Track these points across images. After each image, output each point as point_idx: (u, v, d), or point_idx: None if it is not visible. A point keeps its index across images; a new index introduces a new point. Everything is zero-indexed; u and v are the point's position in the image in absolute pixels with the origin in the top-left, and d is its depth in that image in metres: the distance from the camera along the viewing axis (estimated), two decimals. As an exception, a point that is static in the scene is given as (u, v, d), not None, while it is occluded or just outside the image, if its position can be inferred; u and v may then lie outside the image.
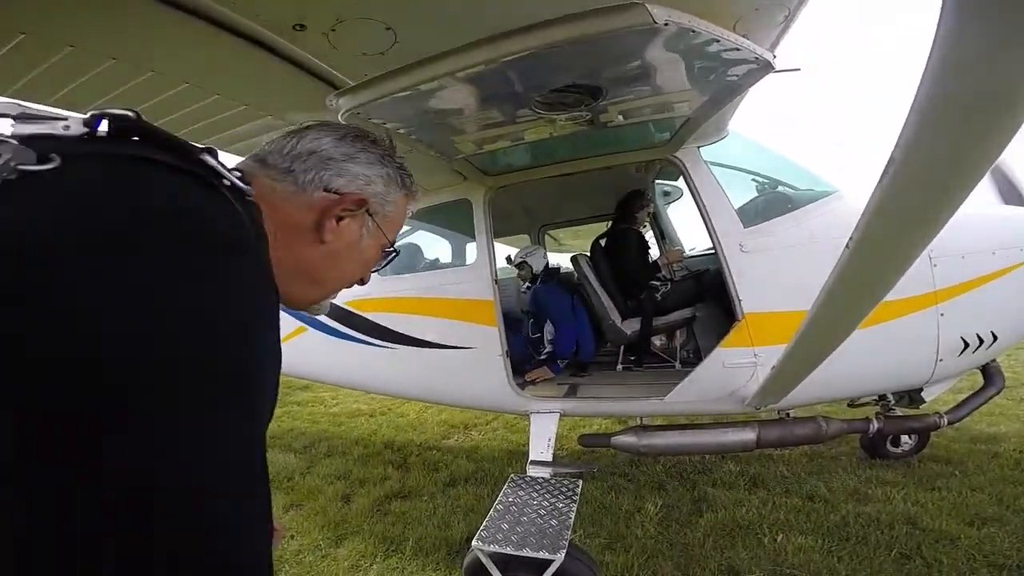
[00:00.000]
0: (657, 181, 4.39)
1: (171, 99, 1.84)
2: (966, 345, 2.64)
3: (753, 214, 2.65)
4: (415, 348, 3.23)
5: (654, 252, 4.09)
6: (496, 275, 3.04)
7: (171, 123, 2.01)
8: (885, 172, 1.05)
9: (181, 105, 1.92)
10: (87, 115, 0.53)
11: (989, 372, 3.02)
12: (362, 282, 0.83)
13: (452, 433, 5.17)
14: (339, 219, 0.74)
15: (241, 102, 1.99)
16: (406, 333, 3.26)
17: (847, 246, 1.32)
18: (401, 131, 2.05)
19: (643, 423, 3.08)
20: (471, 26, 1.43)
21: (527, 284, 4.09)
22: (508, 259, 4.07)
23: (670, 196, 4.71)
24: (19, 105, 0.51)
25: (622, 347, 3.77)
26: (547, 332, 3.79)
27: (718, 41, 1.49)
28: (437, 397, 3.44)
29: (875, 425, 2.96)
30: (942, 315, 2.58)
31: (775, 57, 1.65)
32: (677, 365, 3.67)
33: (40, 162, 0.45)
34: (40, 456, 0.37)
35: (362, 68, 1.61)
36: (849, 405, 3.34)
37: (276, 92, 1.87)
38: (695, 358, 3.83)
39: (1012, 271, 2.68)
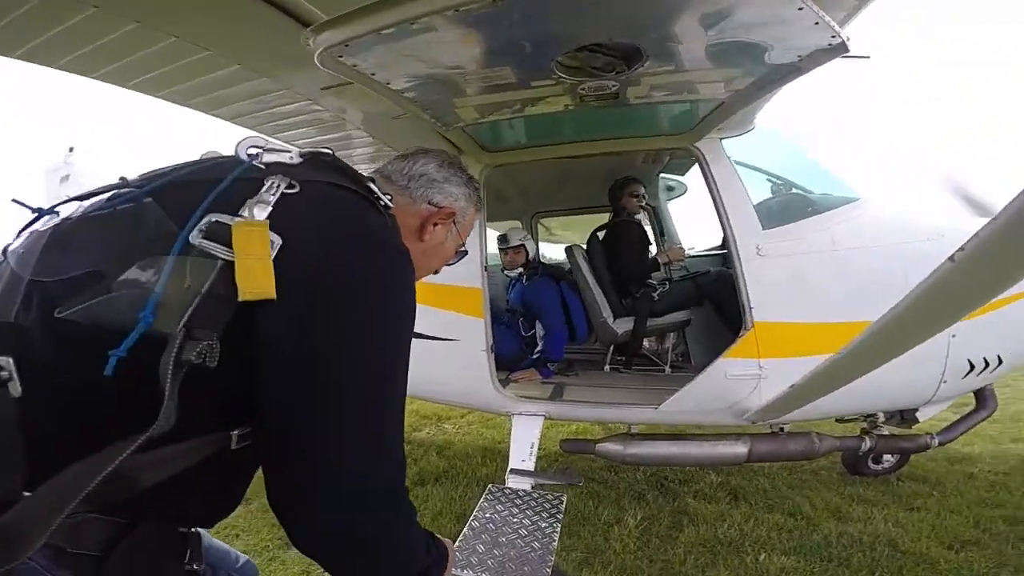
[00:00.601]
0: (662, 175, 4.16)
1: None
2: (971, 367, 2.58)
3: (772, 215, 2.45)
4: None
5: (652, 248, 3.87)
6: (486, 262, 2.77)
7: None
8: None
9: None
10: (303, 150, 0.82)
11: (983, 395, 2.97)
12: (436, 272, 1.08)
13: (423, 425, 4.90)
14: (435, 224, 1.01)
15: (204, 47, 1.73)
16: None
17: (951, 259, 1.10)
18: (394, 86, 1.73)
19: (630, 430, 2.88)
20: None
21: (518, 271, 3.82)
22: (501, 239, 3.82)
23: (674, 191, 4.49)
24: (263, 138, 0.80)
25: (611, 346, 3.55)
26: (539, 331, 3.58)
27: (801, 8, 1.23)
28: (413, 390, 3.17)
29: (868, 443, 2.90)
30: (954, 336, 2.49)
31: (849, 39, 1.41)
32: (667, 370, 3.50)
33: (290, 188, 0.72)
34: None
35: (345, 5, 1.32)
36: (837, 420, 3.24)
37: (246, 35, 1.63)
38: (685, 363, 3.71)
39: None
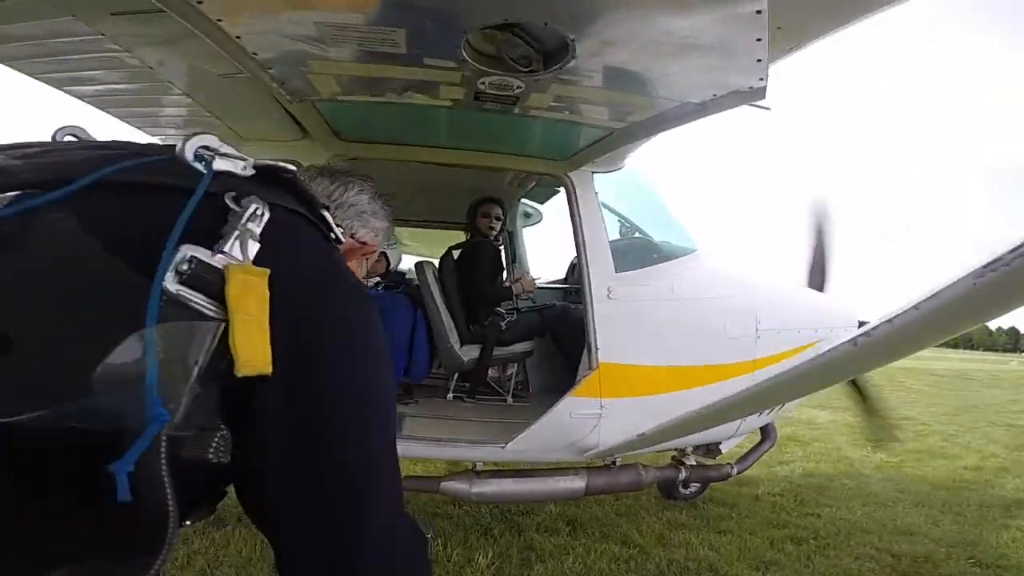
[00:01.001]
0: (523, 200, 4.12)
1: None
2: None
3: (624, 258, 2.50)
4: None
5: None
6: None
7: None
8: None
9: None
10: (255, 162, 0.59)
11: (767, 429, 3.49)
12: None
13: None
14: (350, 260, 1.01)
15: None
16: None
17: (854, 343, 1.12)
18: (239, 37, 1.31)
19: (475, 467, 2.74)
20: None
21: (374, 280, 3.49)
22: None
23: (530, 219, 4.47)
24: (218, 139, 0.59)
25: (455, 374, 3.37)
26: None
27: (759, 40, 1.16)
28: None
29: (683, 473, 3.17)
30: (755, 381, 2.82)
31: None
32: (509, 399, 3.43)
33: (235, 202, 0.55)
34: None
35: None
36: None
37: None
38: (524, 392, 3.72)
39: (809, 348, 3.07)
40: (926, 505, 3.91)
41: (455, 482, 2.53)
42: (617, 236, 2.94)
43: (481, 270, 3.23)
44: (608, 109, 1.80)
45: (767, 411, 3.08)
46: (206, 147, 0.56)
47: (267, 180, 0.60)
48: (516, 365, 3.59)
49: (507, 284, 3.43)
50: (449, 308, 3.23)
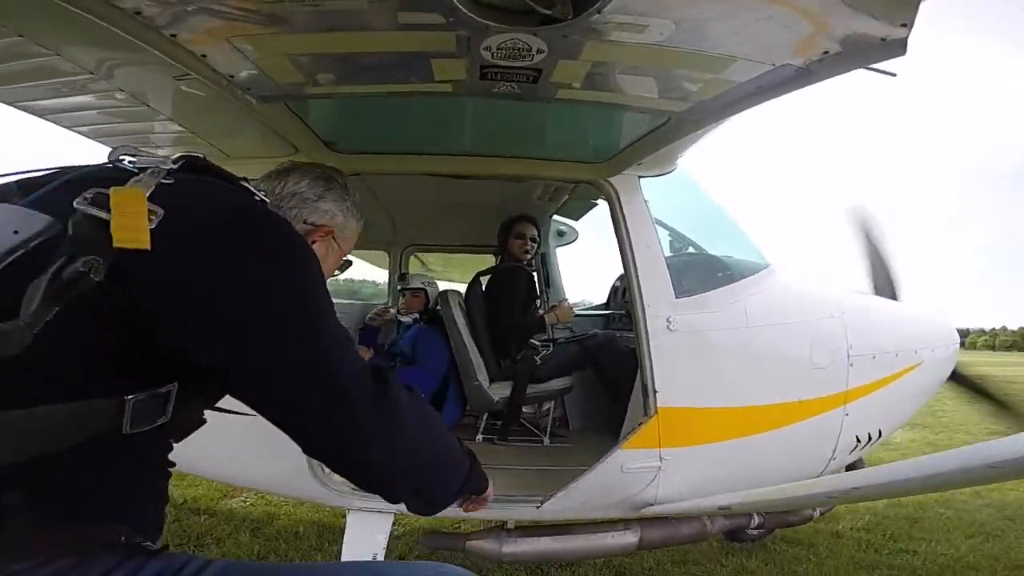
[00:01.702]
0: (555, 216, 3.70)
1: None
2: (858, 443, 2.55)
3: (683, 280, 2.08)
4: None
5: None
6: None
7: None
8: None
9: None
10: (176, 156, 0.82)
11: (855, 466, 2.97)
12: None
13: (237, 490, 3.82)
14: (312, 242, 1.00)
15: None
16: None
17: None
18: (175, 35, 1.04)
19: (506, 523, 2.37)
20: None
21: (413, 316, 3.25)
22: (401, 278, 3.38)
23: (564, 237, 4.02)
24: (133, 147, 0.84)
25: (485, 414, 3.03)
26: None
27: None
28: (214, 471, 2.38)
29: (756, 519, 2.72)
30: (847, 415, 2.40)
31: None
32: (546, 440, 3.03)
33: (166, 178, 0.75)
34: None
35: None
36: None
37: None
38: (563, 429, 3.35)
39: (908, 372, 2.61)
40: None
41: (483, 541, 2.20)
42: (670, 252, 2.55)
43: (512, 299, 2.88)
44: (666, 83, 1.36)
45: (861, 446, 2.59)
46: (128, 153, 0.82)
47: (192, 167, 0.82)
48: (554, 401, 3.22)
49: (541, 313, 3.06)
50: (477, 342, 2.89)
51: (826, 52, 1.10)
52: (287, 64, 1.34)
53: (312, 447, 0.80)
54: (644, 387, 2.01)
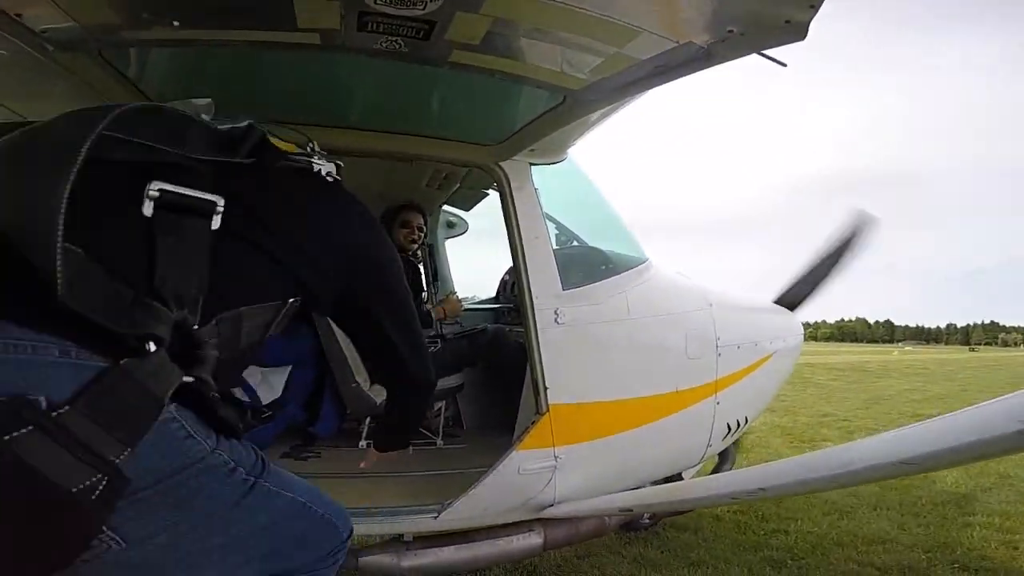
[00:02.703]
0: (444, 206, 3.52)
1: None
2: (729, 429, 2.66)
3: (570, 272, 2.03)
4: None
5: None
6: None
7: None
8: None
9: None
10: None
11: (726, 452, 3.15)
12: None
13: None
14: None
15: None
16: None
17: None
18: None
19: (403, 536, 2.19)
20: None
21: None
22: None
23: (455, 228, 3.85)
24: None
25: (368, 418, 2.76)
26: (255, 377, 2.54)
27: None
28: None
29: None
30: (718, 403, 2.51)
31: None
32: (439, 441, 2.88)
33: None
34: None
35: None
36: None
37: None
38: (457, 428, 3.20)
39: (766, 361, 2.81)
40: (883, 508, 3.83)
41: (380, 556, 2.02)
42: (557, 245, 2.51)
43: (394, 294, 2.66)
44: (568, 55, 1.27)
45: (732, 433, 2.77)
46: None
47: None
48: (445, 400, 3.04)
49: (427, 308, 2.88)
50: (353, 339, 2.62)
51: (731, 31, 1.08)
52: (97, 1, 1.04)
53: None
54: (535, 384, 1.93)
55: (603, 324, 2.01)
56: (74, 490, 0.65)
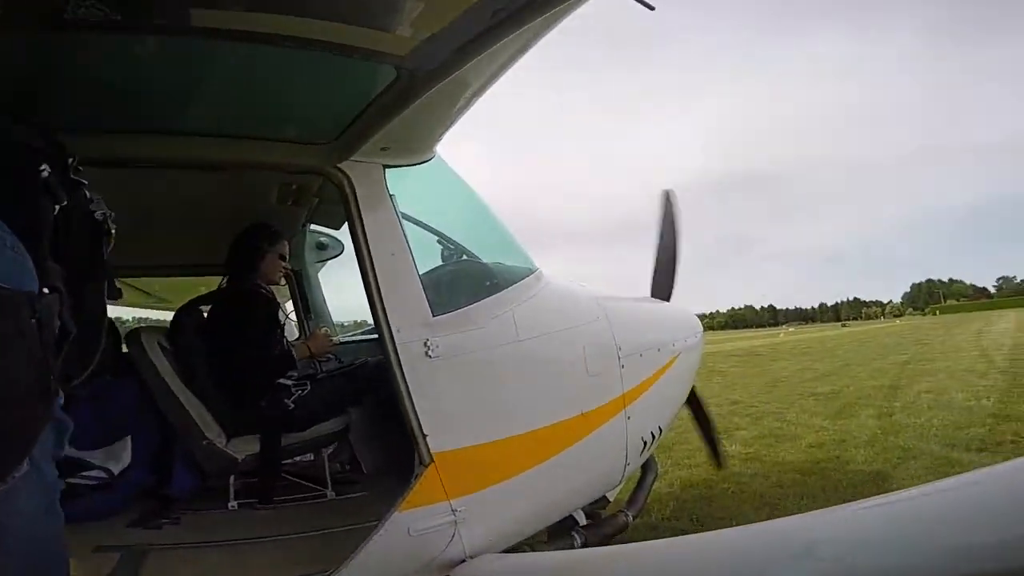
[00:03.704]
0: (312, 226, 3.03)
1: None
2: (644, 444, 2.52)
3: (442, 293, 1.72)
4: None
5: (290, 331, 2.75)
6: None
7: None
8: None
9: None
10: None
11: (648, 463, 2.96)
12: None
13: None
14: None
15: None
16: None
17: None
18: None
19: None
20: None
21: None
22: None
23: (326, 251, 3.34)
24: None
25: (231, 476, 2.28)
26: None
27: None
28: None
29: (579, 539, 2.57)
30: (629, 419, 2.33)
31: None
32: (329, 493, 2.41)
33: None
34: None
35: None
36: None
37: None
38: (356, 474, 2.73)
39: (671, 366, 2.66)
40: (808, 497, 3.89)
41: None
42: (440, 260, 2.18)
43: (241, 334, 2.19)
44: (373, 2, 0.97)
45: (648, 447, 2.60)
46: None
47: None
48: (335, 445, 2.60)
49: (290, 345, 2.43)
50: (199, 391, 2.14)
51: None
52: None
53: None
54: (411, 432, 1.59)
55: (487, 351, 1.72)
56: None
